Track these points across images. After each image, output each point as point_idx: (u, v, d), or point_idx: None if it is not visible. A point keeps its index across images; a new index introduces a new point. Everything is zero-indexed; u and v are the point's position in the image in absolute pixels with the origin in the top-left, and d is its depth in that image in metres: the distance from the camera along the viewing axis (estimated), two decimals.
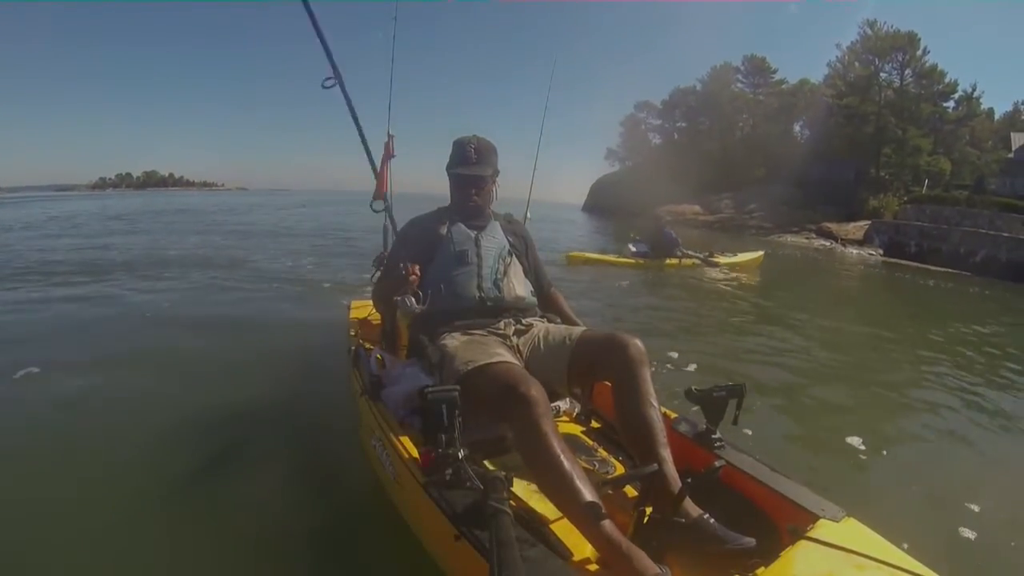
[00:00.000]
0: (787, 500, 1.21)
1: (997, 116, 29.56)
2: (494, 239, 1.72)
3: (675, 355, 3.42)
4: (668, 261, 6.96)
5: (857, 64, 26.94)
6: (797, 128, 31.20)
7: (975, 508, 1.90)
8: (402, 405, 1.49)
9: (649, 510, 1.12)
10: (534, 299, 1.74)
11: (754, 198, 25.84)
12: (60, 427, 2.00)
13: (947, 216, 18.26)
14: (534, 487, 1.20)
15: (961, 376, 3.82)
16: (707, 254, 7.54)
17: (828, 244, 18.02)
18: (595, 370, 1.45)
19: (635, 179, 34.09)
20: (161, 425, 2.01)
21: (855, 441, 2.46)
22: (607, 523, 1.00)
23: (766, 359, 3.69)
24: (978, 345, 4.91)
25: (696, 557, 1.09)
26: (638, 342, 1.36)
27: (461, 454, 1.15)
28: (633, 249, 6.95)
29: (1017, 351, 4.77)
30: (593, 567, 1.06)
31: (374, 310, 2.37)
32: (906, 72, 26.19)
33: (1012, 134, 26.25)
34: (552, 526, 1.13)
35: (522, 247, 1.80)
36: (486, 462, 1.36)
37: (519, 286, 1.68)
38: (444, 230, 1.68)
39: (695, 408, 1.44)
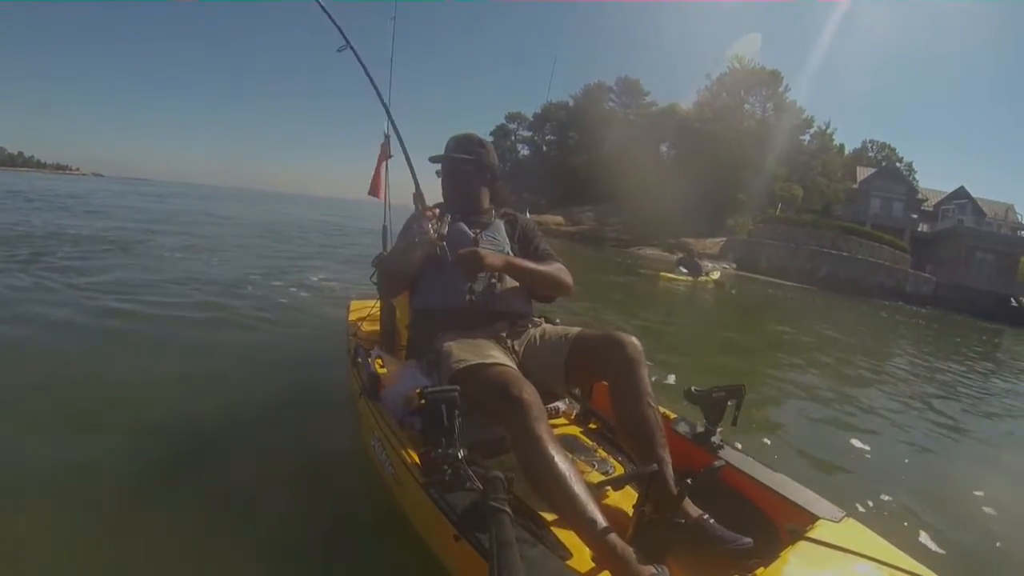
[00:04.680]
0: (786, 500, 1.21)
1: (847, 152, 32.79)
2: (495, 240, 1.67)
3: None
4: (700, 278, 12.11)
5: (725, 95, 29.25)
6: (664, 148, 32.27)
7: (973, 507, 1.91)
8: (401, 406, 1.49)
9: (649, 511, 1.11)
10: (530, 304, 1.71)
11: (616, 212, 26.69)
12: (54, 425, 1.99)
13: (796, 236, 20.12)
14: None
15: (947, 387, 3.83)
16: (707, 272, 12.84)
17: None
18: (592, 369, 1.44)
19: None
20: (158, 425, 2.00)
21: (852, 442, 2.47)
22: (603, 526, 0.99)
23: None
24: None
25: (696, 557, 1.10)
26: (635, 341, 1.34)
27: (460, 454, 1.15)
28: (683, 270, 12.25)
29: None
30: (593, 567, 1.06)
31: (373, 310, 2.37)
32: (768, 105, 28.89)
33: (858, 168, 30.04)
34: (552, 526, 1.13)
35: (525, 244, 1.75)
36: (486, 462, 1.36)
37: (516, 289, 1.65)
38: (444, 228, 1.62)
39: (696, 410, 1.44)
